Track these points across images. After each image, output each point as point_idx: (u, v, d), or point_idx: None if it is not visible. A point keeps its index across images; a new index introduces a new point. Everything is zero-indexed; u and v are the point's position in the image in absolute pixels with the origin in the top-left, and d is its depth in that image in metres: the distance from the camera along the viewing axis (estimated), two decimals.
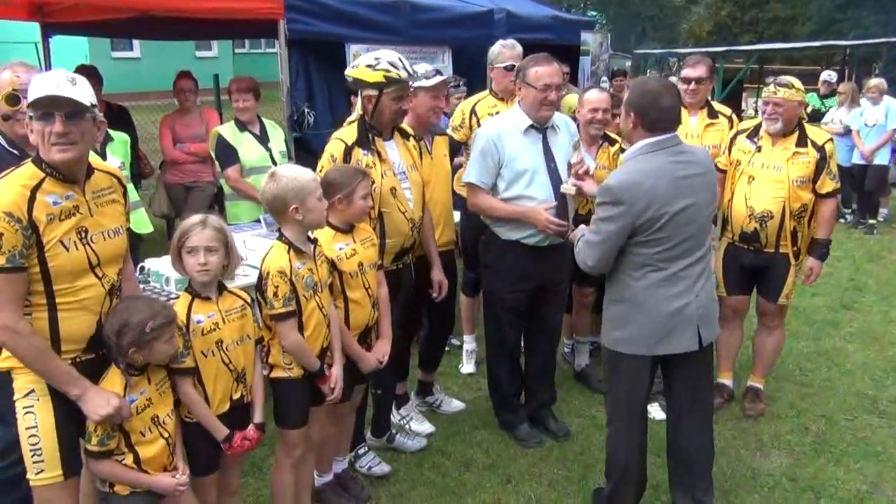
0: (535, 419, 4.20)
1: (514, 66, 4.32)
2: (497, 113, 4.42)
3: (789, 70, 20.25)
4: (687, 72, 4.55)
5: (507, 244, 3.86)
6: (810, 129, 4.14)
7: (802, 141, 4.05)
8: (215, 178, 5.95)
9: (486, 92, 4.77)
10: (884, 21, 27.16)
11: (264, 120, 5.15)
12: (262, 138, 4.95)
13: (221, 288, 2.79)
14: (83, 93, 2.30)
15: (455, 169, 4.51)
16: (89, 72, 5.20)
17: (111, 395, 2.39)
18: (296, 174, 2.92)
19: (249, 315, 2.85)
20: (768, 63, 22.27)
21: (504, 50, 4.62)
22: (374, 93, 3.39)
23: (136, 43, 18.21)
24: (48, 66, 6.59)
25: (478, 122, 4.55)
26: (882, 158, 8.77)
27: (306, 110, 5.77)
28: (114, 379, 2.46)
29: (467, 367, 4.98)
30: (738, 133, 4.30)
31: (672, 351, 3.08)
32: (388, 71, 3.35)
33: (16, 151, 3.06)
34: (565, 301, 4.33)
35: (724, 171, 4.27)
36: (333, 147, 3.42)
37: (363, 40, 6.44)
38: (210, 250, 2.66)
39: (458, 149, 4.57)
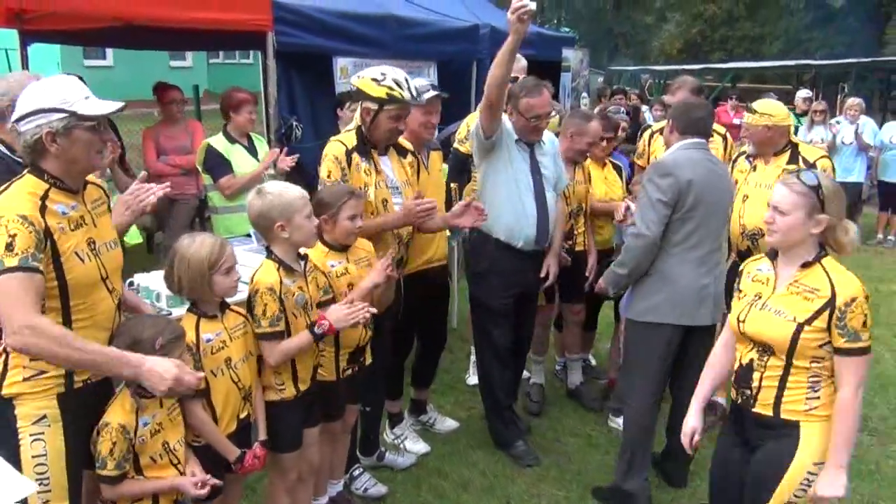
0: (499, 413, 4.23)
1: (515, 77, 4.28)
2: None
3: (760, 88, 20.64)
4: (667, 98, 4.60)
5: (502, 249, 3.88)
6: (804, 148, 4.16)
7: (794, 159, 4.07)
8: (200, 191, 5.84)
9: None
10: (849, 41, 27.83)
11: (250, 133, 5.06)
12: (252, 150, 4.87)
13: (224, 306, 2.73)
14: None
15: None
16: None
17: (167, 366, 2.25)
18: (282, 191, 2.86)
19: (250, 331, 2.81)
20: (738, 81, 22.64)
21: None
22: (373, 107, 3.36)
23: (108, 51, 17.97)
24: None
25: None
26: (857, 176, 8.92)
27: (294, 123, 5.71)
28: (123, 403, 2.38)
29: (472, 378, 4.90)
30: (739, 154, 4.36)
31: (696, 323, 3.47)
32: (391, 89, 3.32)
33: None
34: (535, 311, 4.33)
35: None
36: (335, 148, 3.37)
37: (350, 53, 6.44)
38: (235, 266, 2.68)
39: (464, 161, 4.50)
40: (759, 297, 2.57)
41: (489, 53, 7.59)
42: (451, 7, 8.36)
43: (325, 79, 6.45)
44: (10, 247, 2.09)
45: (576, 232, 4.52)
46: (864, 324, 2.36)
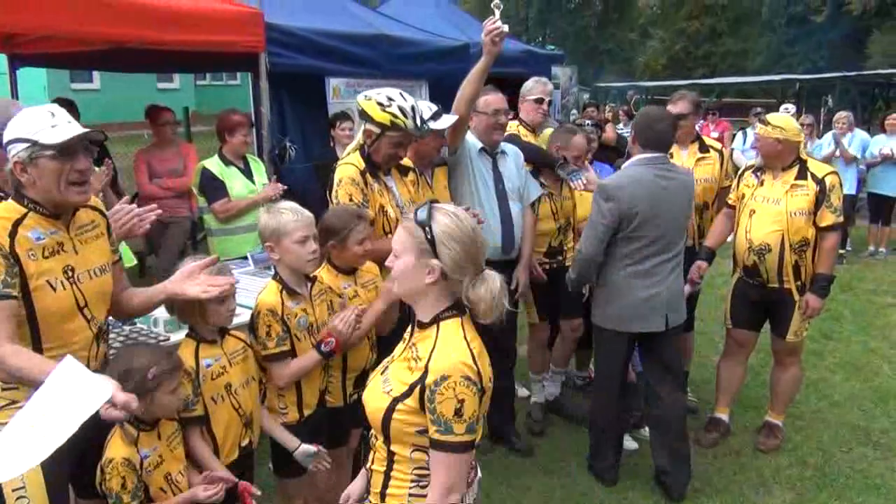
0: (500, 435, 4.37)
1: (542, 98, 4.62)
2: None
3: (745, 103, 20.81)
4: (669, 108, 4.59)
5: None
6: (812, 163, 4.12)
7: (802, 174, 4.04)
8: (192, 212, 5.79)
9: (516, 122, 4.72)
10: (831, 56, 28.17)
11: (246, 154, 5.03)
12: (248, 172, 4.83)
13: (223, 331, 2.68)
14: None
15: None
16: (69, 106, 5.03)
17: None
18: (280, 212, 2.83)
19: (251, 356, 2.77)
20: (723, 96, 22.84)
21: (536, 85, 4.70)
22: (376, 130, 3.32)
23: (95, 74, 17.89)
24: (15, 98, 6.40)
25: None
26: (848, 188, 8.95)
27: (288, 144, 5.68)
28: (120, 437, 2.33)
29: None
30: (746, 169, 4.35)
31: (644, 330, 3.74)
32: (395, 116, 3.27)
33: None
34: (513, 322, 4.36)
35: (734, 207, 4.33)
36: (349, 171, 3.31)
37: (342, 74, 6.43)
38: (232, 295, 2.63)
39: None
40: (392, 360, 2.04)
41: None
42: (442, 26, 8.40)
43: (316, 99, 6.43)
44: None
45: (565, 247, 4.54)
46: (459, 413, 1.79)
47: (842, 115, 9.11)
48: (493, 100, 4.03)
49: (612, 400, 3.93)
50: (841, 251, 9.12)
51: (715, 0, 38.19)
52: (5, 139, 2.16)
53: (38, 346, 2.20)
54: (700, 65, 36.72)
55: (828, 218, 3.99)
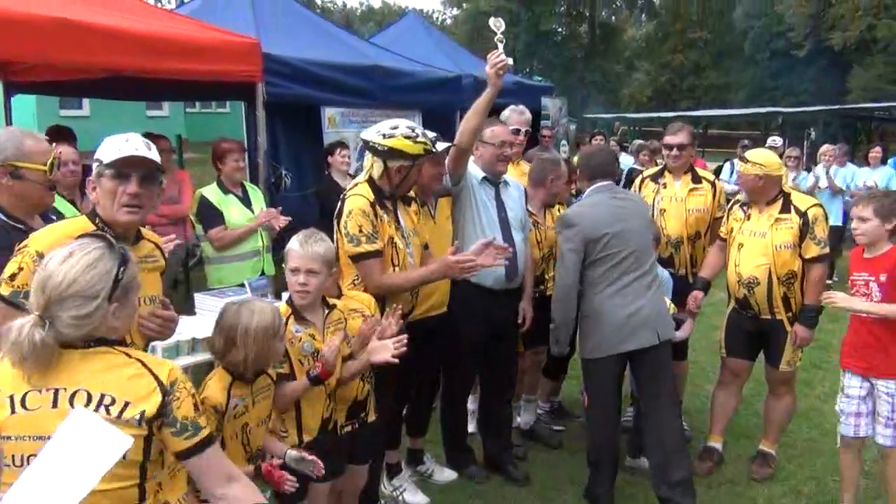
0: (496, 463, 4.37)
1: (519, 129, 4.67)
2: None
3: (730, 135, 21.13)
4: (669, 138, 4.66)
5: (472, 289, 3.92)
6: (796, 196, 4.20)
7: (786, 207, 4.12)
8: (187, 240, 5.79)
9: None
10: (813, 89, 28.70)
11: (244, 182, 5.06)
12: (246, 200, 4.85)
13: (260, 371, 2.68)
14: (156, 157, 2.32)
15: None
16: (64, 132, 5.06)
17: None
18: (298, 236, 2.88)
19: (273, 392, 2.76)
20: (709, 128, 23.19)
21: (513, 115, 4.77)
22: (408, 164, 3.36)
23: (85, 101, 17.87)
24: (9, 125, 6.41)
25: None
26: (834, 219, 9.08)
27: (284, 172, 5.72)
28: None
29: (470, 426, 4.81)
30: (734, 203, 4.42)
31: (636, 346, 3.73)
32: (426, 144, 3.35)
33: (20, 225, 2.70)
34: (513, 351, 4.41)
35: (725, 240, 4.40)
36: (360, 202, 3.32)
37: (337, 103, 6.51)
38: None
39: None
40: None
41: (472, 102, 7.73)
42: (435, 58, 8.54)
43: (311, 128, 6.50)
44: (12, 277, 2.11)
45: (546, 276, 4.58)
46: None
47: (828, 149, 9.26)
48: (500, 131, 4.06)
49: (610, 426, 3.94)
50: (828, 281, 9.19)
51: (699, 34, 38.94)
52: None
53: None
54: (685, 97, 37.29)
55: (812, 250, 4.06)
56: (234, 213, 4.75)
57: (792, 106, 23.15)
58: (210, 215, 4.67)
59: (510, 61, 3.55)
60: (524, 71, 35.61)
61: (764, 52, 34.61)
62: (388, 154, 3.34)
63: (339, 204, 3.43)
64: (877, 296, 3.51)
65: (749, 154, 4.24)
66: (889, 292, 3.47)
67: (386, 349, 2.96)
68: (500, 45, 3.56)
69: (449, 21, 50.79)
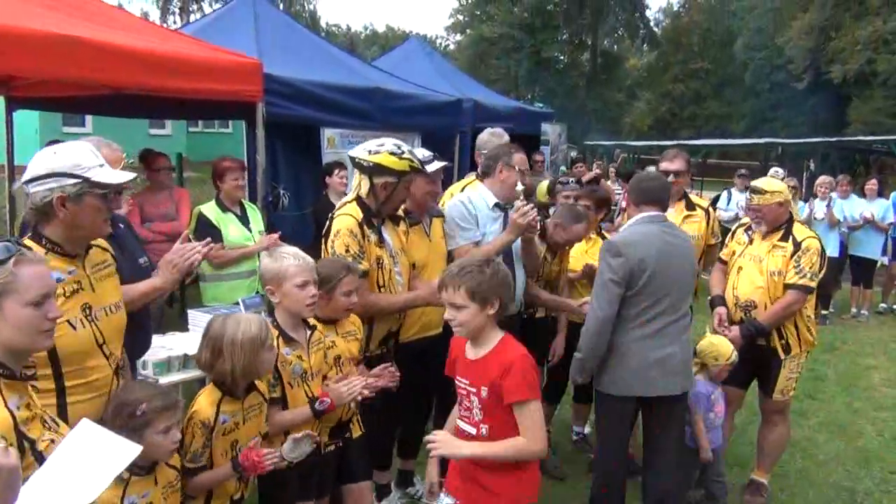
0: None
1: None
2: None
3: (729, 165, 21.21)
4: (665, 165, 4.67)
5: None
6: (797, 227, 4.20)
7: (786, 236, 4.14)
8: None
9: (473, 176, 4.79)
10: (812, 121, 28.85)
11: (243, 201, 5.08)
12: (244, 219, 4.87)
13: (251, 386, 2.67)
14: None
15: None
16: None
17: None
18: (280, 256, 2.87)
19: (265, 411, 2.76)
20: (708, 157, 23.29)
21: (493, 139, 4.74)
22: (392, 180, 3.38)
23: (87, 118, 17.96)
24: (10, 141, 6.45)
25: None
26: (831, 251, 9.10)
27: (282, 192, 5.74)
28: None
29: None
30: (739, 226, 4.45)
31: (655, 393, 3.51)
32: (412, 160, 3.39)
33: None
34: None
35: (726, 262, 4.41)
36: (348, 222, 3.35)
37: (337, 125, 6.55)
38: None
39: None
40: None
41: (471, 126, 7.80)
42: (436, 82, 8.62)
43: (310, 149, 6.53)
44: None
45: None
46: None
47: (824, 180, 9.30)
48: (521, 159, 4.04)
49: (618, 467, 3.72)
50: (824, 312, 9.22)
51: (700, 65, 39.26)
52: (40, 171, 2.20)
53: (60, 385, 2.21)
54: (685, 126, 37.54)
55: (791, 276, 4.04)
56: (233, 231, 4.77)
57: (791, 137, 23.28)
58: (207, 233, 4.67)
59: (534, 213, 3.73)
60: (525, 97, 35.85)
61: (764, 84, 34.83)
62: (373, 170, 3.38)
63: (328, 223, 3.45)
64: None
65: (762, 184, 4.21)
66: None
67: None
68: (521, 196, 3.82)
69: (452, 46, 51.23)
